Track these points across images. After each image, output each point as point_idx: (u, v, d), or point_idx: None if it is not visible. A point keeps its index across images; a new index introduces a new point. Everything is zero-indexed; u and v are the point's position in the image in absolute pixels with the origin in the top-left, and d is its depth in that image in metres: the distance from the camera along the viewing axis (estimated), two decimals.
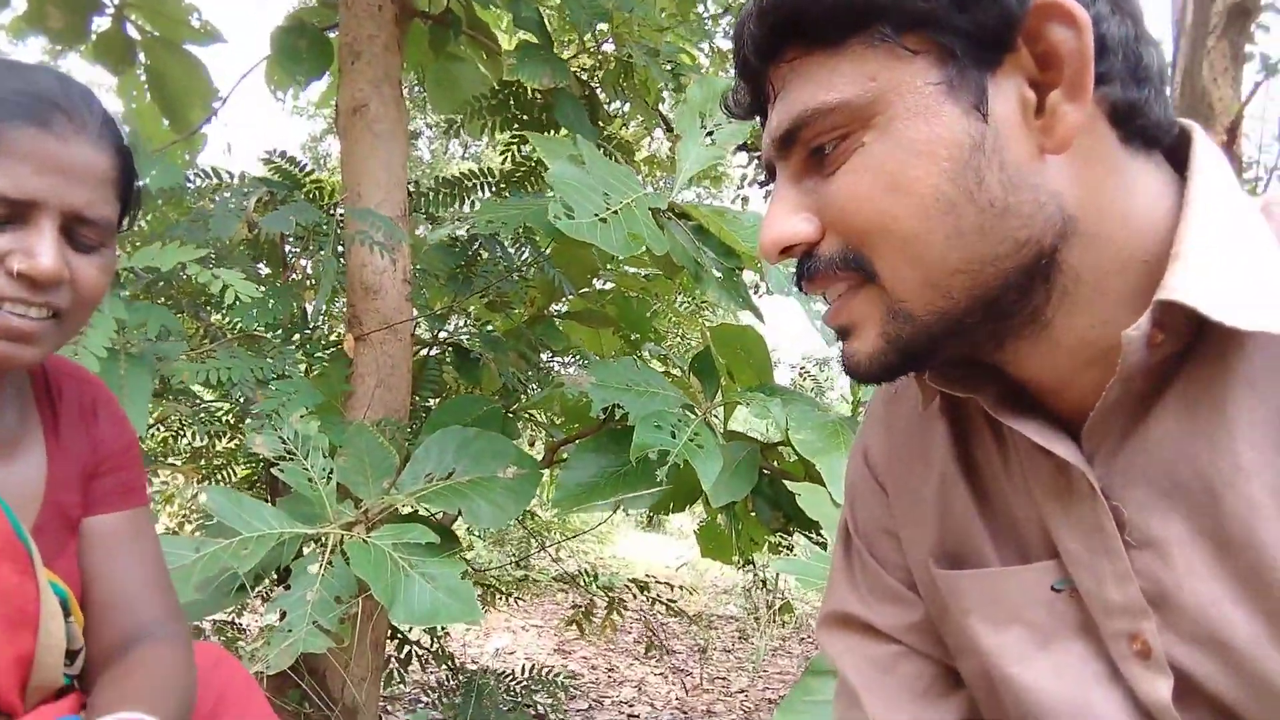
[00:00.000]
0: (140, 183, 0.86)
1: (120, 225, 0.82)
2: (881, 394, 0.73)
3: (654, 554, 8.77)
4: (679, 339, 4.17)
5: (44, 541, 0.82)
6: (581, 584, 3.23)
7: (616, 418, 2.16)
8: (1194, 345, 0.51)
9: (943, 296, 0.51)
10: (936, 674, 0.70)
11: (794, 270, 0.58)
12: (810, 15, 0.50)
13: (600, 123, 2.64)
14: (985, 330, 0.53)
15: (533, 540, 4.06)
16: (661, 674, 5.08)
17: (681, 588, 3.52)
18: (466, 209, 2.64)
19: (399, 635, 2.50)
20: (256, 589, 1.89)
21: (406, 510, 2.00)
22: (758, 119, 0.60)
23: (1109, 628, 0.54)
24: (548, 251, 2.40)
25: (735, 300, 1.98)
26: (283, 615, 1.60)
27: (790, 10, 0.51)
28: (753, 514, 2.21)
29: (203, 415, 2.39)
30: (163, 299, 2.14)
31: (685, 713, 4.42)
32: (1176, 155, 0.55)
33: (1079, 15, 0.47)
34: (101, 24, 2.79)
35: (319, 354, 2.28)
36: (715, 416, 2.19)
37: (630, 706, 4.43)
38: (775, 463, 2.21)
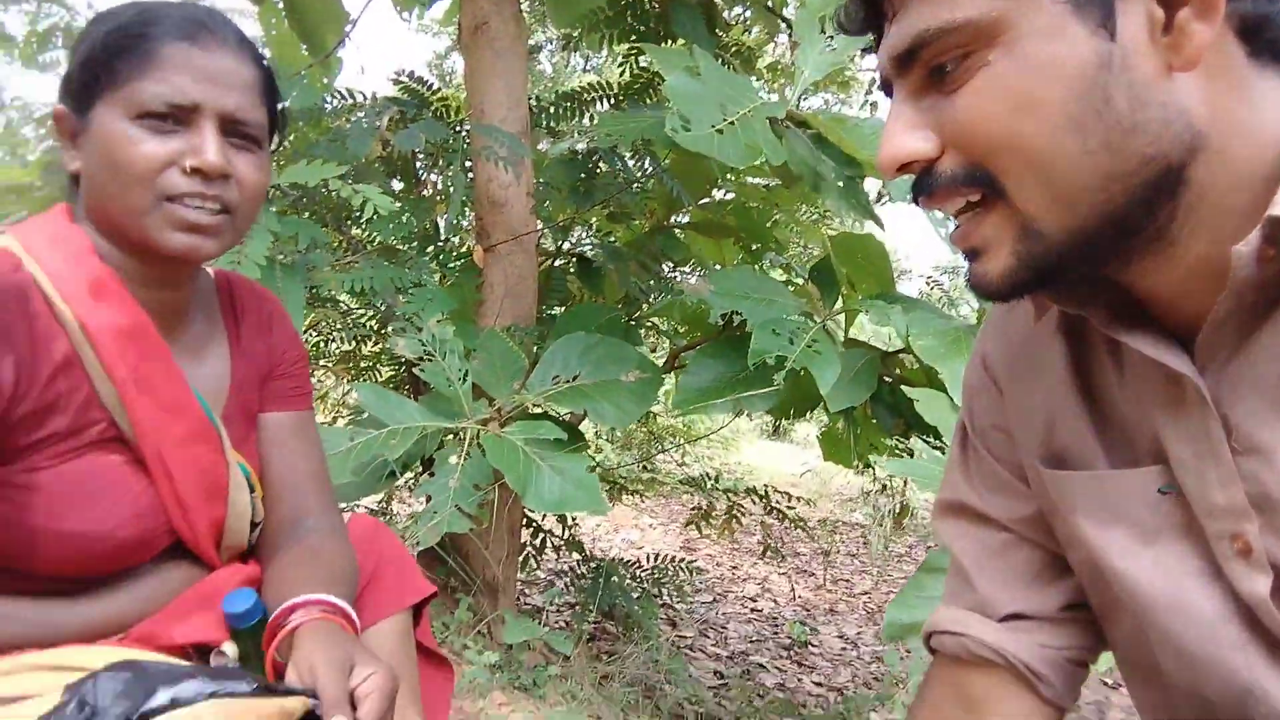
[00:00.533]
0: (283, 104, 0.95)
1: (271, 138, 0.92)
2: (1001, 303, 0.74)
3: (779, 461, 8.86)
4: (801, 249, 4.12)
5: (231, 429, 0.96)
6: (704, 487, 3.35)
7: (735, 324, 2.21)
8: None
9: (1073, 214, 0.51)
10: (1046, 561, 0.72)
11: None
12: None
13: (718, 31, 2.60)
14: (1113, 247, 0.53)
15: (657, 443, 4.19)
16: (785, 574, 5.22)
17: (800, 498, 3.57)
18: (586, 122, 2.69)
19: (533, 524, 2.70)
20: (404, 477, 2.09)
21: (536, 410, 2.13)
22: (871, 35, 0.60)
23: (1212, 528, 0.56)
24: (666, 163, 2.42)
25: (855, 209, 1.96)
26: (428, 500, 1.77)
27: None
28: (873, 420, 2.23)
29: (349, 321, 2.60)
30: (309, 214, 2.31)
31: (808, 610, 4.56)
32: None
33: None
34: None
35: (451, 265, 2.43)
36: (835, 324, 2.21)
37: (754, 601, 4.61)
38: (896, 370, 2.22)
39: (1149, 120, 0.49)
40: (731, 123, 1.67)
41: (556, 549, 2.81)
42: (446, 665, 1.33)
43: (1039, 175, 0.51)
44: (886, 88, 0.58)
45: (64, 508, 0.79)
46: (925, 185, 0.55)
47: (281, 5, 3.04)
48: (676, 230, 2.79)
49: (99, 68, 0.80)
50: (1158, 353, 0.56)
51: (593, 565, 2.63)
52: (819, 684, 3.46)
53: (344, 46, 3.08)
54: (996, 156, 0.51)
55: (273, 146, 0.93)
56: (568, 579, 2.81)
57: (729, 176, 2.68)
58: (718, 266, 2.91)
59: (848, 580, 5.24)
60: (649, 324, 2.88)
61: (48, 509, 0.78)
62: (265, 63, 0.89)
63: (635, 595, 2.58)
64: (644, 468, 5.81)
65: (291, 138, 2.50)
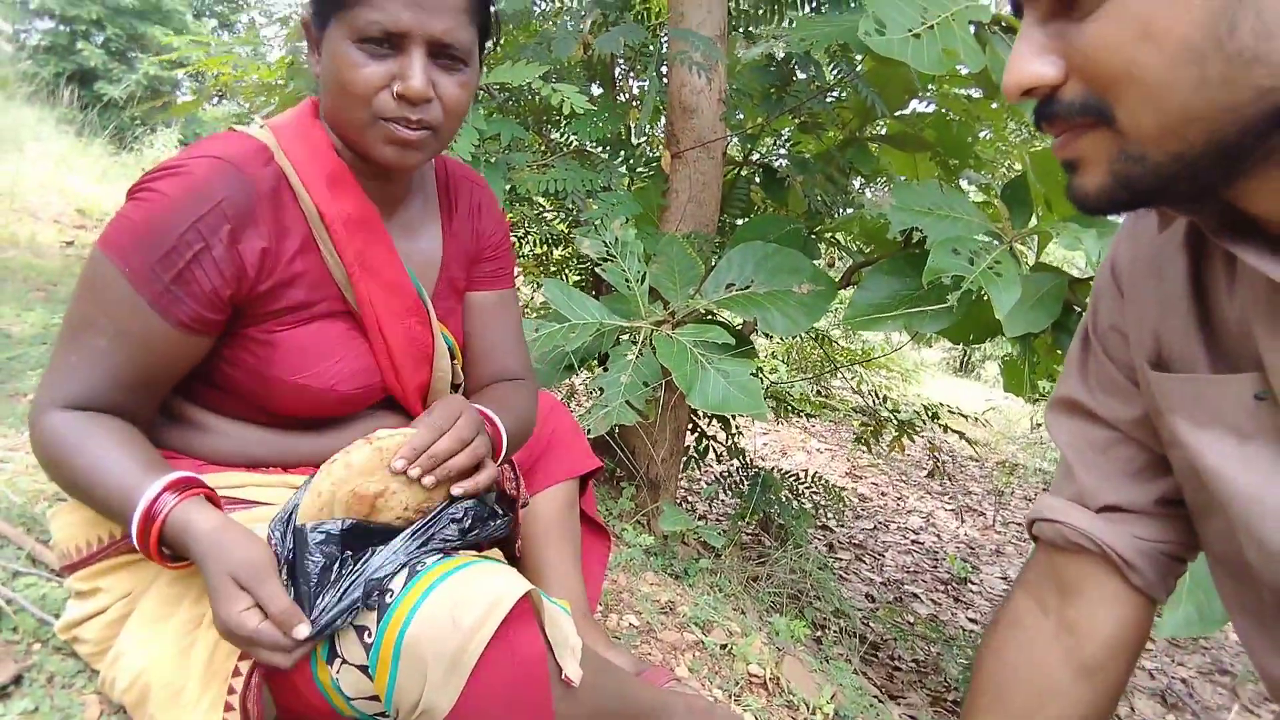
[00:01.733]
0: (495, 9, 1.03)
1: (482, 48, 1.00)
2: (1099, 215, 0.74)
3: (962, 398, 8.53)
4: (1007, 170, 3.87)
5: (438, 304, 1.09)
6: (875, 411, 3.31)
7: (915, 241, 2.15)
8: None
9: (1179, 142, 0.52)
10: (1149, 460, 0.76)
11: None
12: None
13: None
14: (1218, 173, 0.53)
15: (832, 365, 4.15)
16: (953, 510, 5.11)
17: (976, 419, 3.46)
18: (786, 26, 2.63)
19: (698, 429, 2.80)
20: (581, 369, 2.22)
21: (709, 315, 2.19)
22: None
23: None
24: (863, 70, 2.34)
25: None
26: (601, 392, 1.88)
27: None
28: (1057, 349, 2.13)
29: (543, 221, 2.73)
30: (513, 115, 2.43)
31: (972, 549, 4.46)
32: None
33: None
34: None
35: (640, 169, 2.49)
36: (1027, 246, 2.09)
37: (916, 534, 4.55)
38: (1088, 297, 2.09)
39: (1272, 50, 0.48)
40: (931, 26, 1.59)
41: (719, 456, 2.90)
42: (605, 534, 1.45)
43: (1152, 106, 0.51)
44: (1017, 8, 0.58)
45: (296, 364, 0.94)
46: (1047, 111, 0.56)
47: None
48: (869, 143, 2.70)
49: None
50: (1260, 262, 0.56)
51: (752, 473, 2.70)
52: (974, 620, 3.42)
53: None
54: (1114, 86, 0.52)
55: (485, 52, 1.00)
56: (728, 484, 2.90)
57: (931, 86, 2.56)
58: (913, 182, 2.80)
59: (1019, 524, 5.04)
60: (830, 238, 2.84)
61: (283, 364, 0.93)
62: None
63: (792, 510, 2.64)
64: (817, 391, 5.78)
65: (502, 41, 2.62)
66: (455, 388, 1.15)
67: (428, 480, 0.87)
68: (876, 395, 3.44)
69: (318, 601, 0.79)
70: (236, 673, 0.83)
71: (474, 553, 0.90)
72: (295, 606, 0.78)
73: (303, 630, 0.77)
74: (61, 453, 0.85)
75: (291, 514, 0.85)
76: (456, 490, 0.90)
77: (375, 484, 0.85)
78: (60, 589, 1.22)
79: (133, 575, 0.93)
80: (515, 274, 1.23)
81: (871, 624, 3.05)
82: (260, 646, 0.78)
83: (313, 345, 0.96)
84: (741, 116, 2.54)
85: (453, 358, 1.12)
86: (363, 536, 0.85)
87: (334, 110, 0.93)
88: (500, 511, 0.95)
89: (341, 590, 0.80)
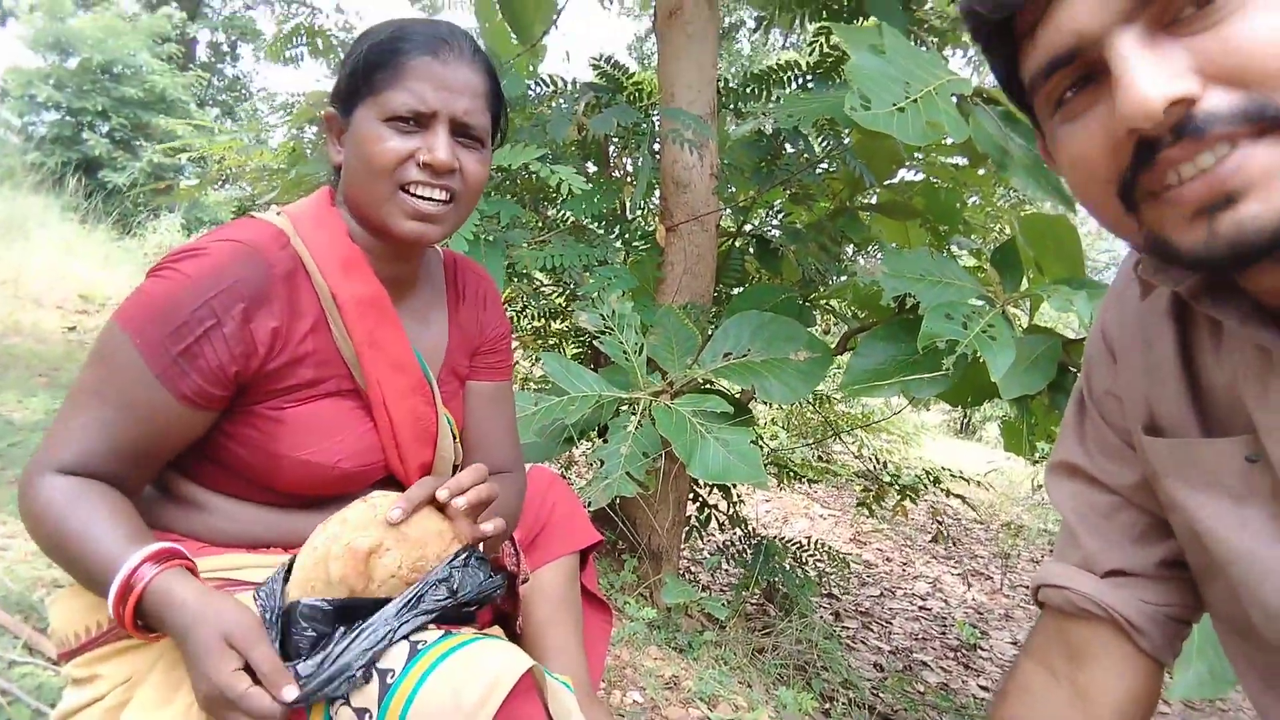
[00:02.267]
0: (506, 107, 1.08)
1: (494, 137, 1.05)
2: (1123, 275, 0.75)
3: (963, 460, 8.49)
4: (997, 234, 3.94)
5: (442, 387, 1.11)
6: (878, 478, 3.31)
7: (909, 307, 2.18)
8: None
9: None
10: (1150, 524, 0.76)
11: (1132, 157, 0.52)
12: None
13: (914, 6, 2.55)
14: None
15: (832, 430, 4.15)
16: (959, 575, 5.03)
17: (978, 497, 3.45)
18: (776, 100, 2.71)
19: (699, 498, 2.78)
20: (582, 446, 2.22)
21: (707, 384, 2.21)
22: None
23: None
24: (850, 143, 2.41)
25: (1043, 188, 1.88)
26: (601, 464, 1.89)
27: None
28: (1054, 410, 2.14)
29: (540, 296, 2.77)
30: (510, 195, 2.49)
31: (981, 613, 4.38)
32: None
33: None
34: None
35: (636, 243, 2.54)
36: (1019, 309, 2.12)
37: (923, 600, 4.48)
38: (1080, 358, 2.11)
39: None
40: (914, 100, 1.65)
41: (720, 525, 2.88)
42: (607, 609, 1.44)
43: None
44: (1058, 64, 0.55)
45: (301, 439, 0.95)
46: (1187, 130, 0.50)
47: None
48: (860, 211, 2.76)
49: (360, 79, 0.96)
50: (1245, 326, 0.58)
51: (754, 541, 2.68)
52: (984, 688, 3.34)
53: (550, 34, 3.28)
54: None
55: (495, 145, 1.06)
56: (730, 553, 2.88)
57: (917, 155, 2.63)
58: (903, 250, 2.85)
59: (1027, 587, 4.97)
60: (825, 305, 2.88)
61: (289, 440, 0.95)
62: (493, 72, 1.03)
63: (796, 579, 2.61)
64: (818, 456, 5.76)
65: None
66: (455, 468, 1.16)
67: (458, 502, 0.89)
68: (878, 460, 3.43)
69: (304, 667, 0.79)
70: None
71: (473, 630, 0.89)
72: (284, 668, 0.79)
73: (290, 693, 0.77)
74: (49, 515, 0.86)
75: (278, 584, 0.85)
76: (487, 527, 0.93)
77: (370, 539, 0.86)
78: (57, 678, 1.20)
79: (132, 661, 0.92)
80: (513, 367, 1.25)
81: (881, 694, 2.98)
82: (247, 712, 0.77)
83: (319, 422, 0.97)
84: (734, 190, 2.60)
85: (454, 438, 1.14)
86: (353, 612, 0.84)
87: (358, 187, 0.98)
88: (489, 569, 0.95)
89: (334, 657, 0.80)
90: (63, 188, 10.43)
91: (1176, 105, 0.49)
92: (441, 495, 0.89)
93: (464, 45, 0.97)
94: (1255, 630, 0.64)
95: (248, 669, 0.79)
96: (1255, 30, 0.48)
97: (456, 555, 0.90)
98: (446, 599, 0.88)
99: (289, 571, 0.87)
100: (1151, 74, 0.50)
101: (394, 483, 1.07)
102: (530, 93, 2.52)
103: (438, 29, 0.98)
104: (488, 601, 0.93)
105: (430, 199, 0.95)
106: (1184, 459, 0.67)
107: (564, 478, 3.30)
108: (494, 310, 1.21)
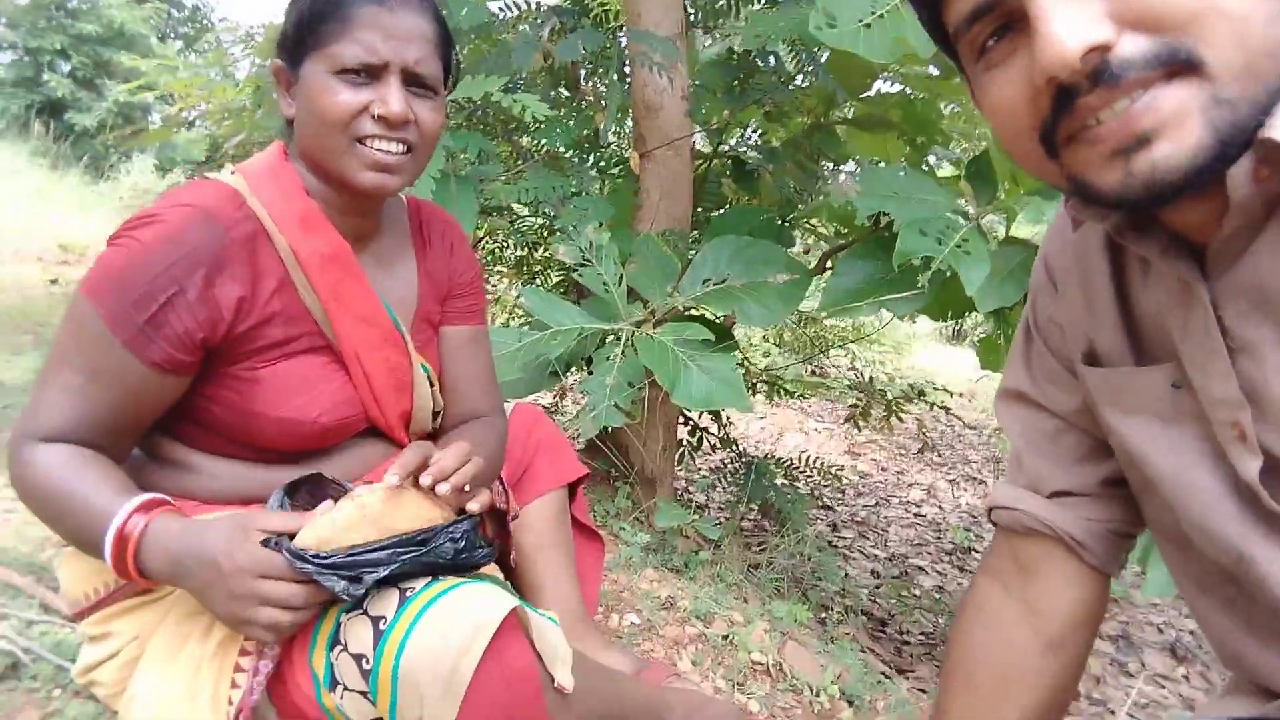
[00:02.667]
0: (457, 54, 1.07)
1: (446, 84, 1.04)
2: (1064, 209, 0.77)
3: (955, 366, 8.58)
4: (978, 141, 3.90)
5: (415, 335, 1.12)
6: (869, 391, 3.35)
7: (885, 225, 2.18)
8: None
9: (1258, 83, 0.50)
10: (1092, 445, 0.80)
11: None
12: None
13: None
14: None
15: (822, 346, 4.19)
16: (953, 480, 5.15)
17: (966, 401, 3.51)
18: (744, 20, 2.64)
19: (690, 422, 2.83)
20: (568, 375, 2.25)
21: (689, 311, 2.22)
22: None
23: (1215, 417, 0.62)
24: (824, 58, 2.37)
25: None
26: (587, 396, 1.92)
27: None
28: None
29: (520, 228, 2.76)
30: (481, 127, 2.45)
31: (974, 517, 4.51)
32: None
33: None
34: None
35: (611, 171, 2.51)
36: (996, 221, 2.12)
37: (918, 507, 4.60)
38: None
39: None
40: (880, 15, 1.62)
41: (713, 447, 2.93)
42: (598, 538, 1.49)
43: (1237, 41, 0.49)
44: (980, 13, 0.56)
45: (278, 398, 0.97)
46: (1105, 77, 0.51)
47: None
48: (836, 127, 2.73)
49: (306, 31, 0.94)
50: (1165, 259, 0.61)
51: (745, 461, 2.74)
52: None
53: None
54: (1198, 20, 0.49)
55: (447, 90, 1.05)
56: (724, 474, 2.94)
57: (892, 67, 2.58)
58: (881, 164, 2.83)
59: None
60: (805, 224, 2.87)
61: (265, 399, 0.97)
62: (441, 17, 1.01)
63: (789, 496, 2.67)
64: (811, 371, 5.81)
65: (465, 51, 2.64)
66: (436, 415, 1.18)
67: (442, 488, 0.91)
68: (862, 375, 3.47)
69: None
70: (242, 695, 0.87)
71: (458, 575, 0.93)
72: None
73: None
74: (37, 485, 0.89)
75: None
76: (473, 506, 0.95)
77: (360, 538, 0.88)
78: (74, 635, 1.25)
79: (141, 617, 0.96)
80: (485, 309, 1.26)
81: (878, 600, 3.09)
82: (279, 577, 0.82)
83: (294, 379, 0.99)
84: (707, 111, 2.56)
85: (432, 384, 1.16)
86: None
87: (312, 141, 0.97)
88: (486, 543, 0.98)
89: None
90: (29, 132, 10.20)
91: (1092, 53, 0.50)
92: (425, 482, 0.91)
93: None
94: (1188, 540, 0.68)
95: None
96: None
97: (446, 527, 0.92)
98: (448, 557, 0.91)
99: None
100: (1068, 23, 0.50)
101: (376, 433, 1.10)
102: (495, 18, 2.46)
103: None
104: (473, 568, 0.96)
105: (387, 151, 0.95)
106: (1117, 387, 0.71)
107: (554, 411, 3.35)
108: (461, 254, 1.21)
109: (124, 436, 0.95)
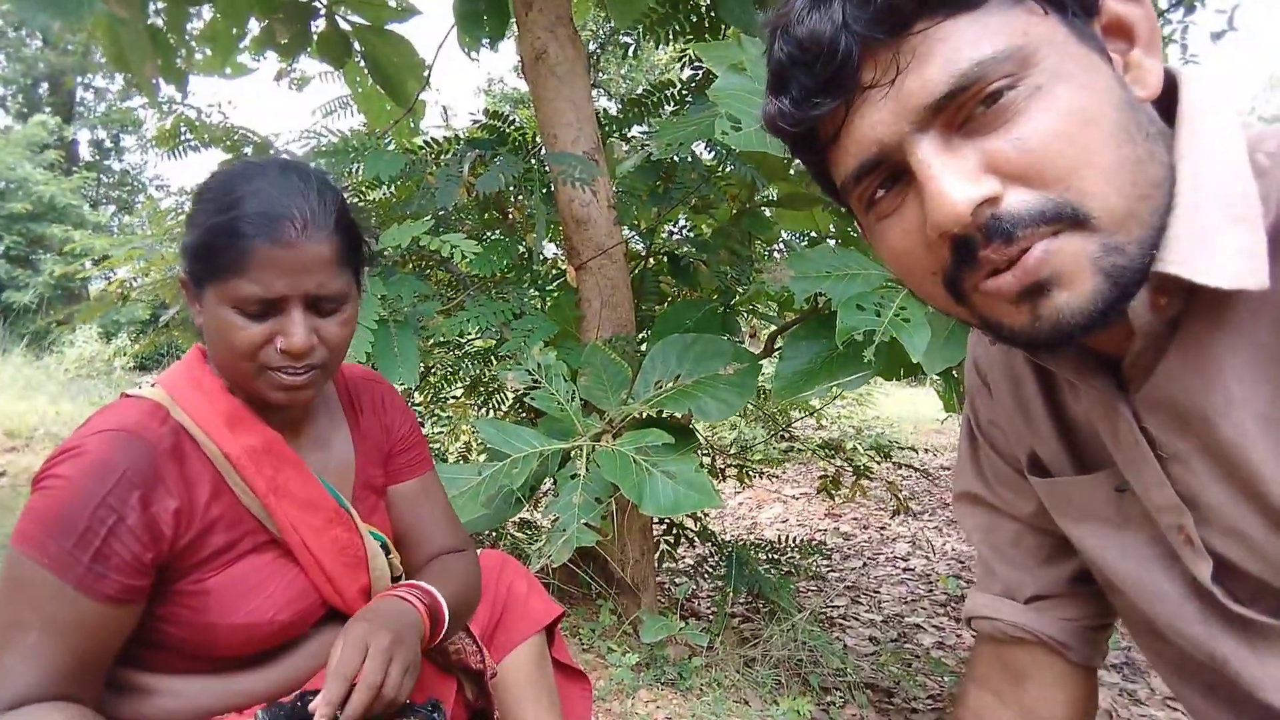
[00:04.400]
0: (369, 238, 1.05)
1: (359, 280, 1.02)
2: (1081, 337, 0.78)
3: (920, 407, 8.65)
4: None
5: (360, 505, 1.10)
6: (838, 450, 3.36)
7: (823, 304, 2.22)
8: (1194, 296, 0.56)
9: (1140, 224, 0.52)
10: (1055, 544, 0.80)
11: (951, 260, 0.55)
12: None
13: (767, 4, 2.59)
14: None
15: (784, 418, 4.20)
16: (936, 527, 5.13)
17: (936, 448, 3.53)
18: (662, 119, 2.73)
19: (665, 520, 2.80)
20: (534, 496, 2.22)
21: (648, 415, 2.22)
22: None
23: (1162, 521, 0.63)
24: (738, 151, 2.44)
25: None
26: (555, 520, 1.88)
27: None
28: None
29: (465, 353, 2.75)
30: (411, 264, 2.47)
31: (962, 562, 4.48)
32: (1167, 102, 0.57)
33: None
34: (318, 26, 3.15)
35: (549, 287, 2.54)
36: None
37: (905, 560, 4.56)
38: None
39: (1155, 134, 0.53)
40: None
41: (690, 541, 2.89)
42: (584, 677, 1.44)
43: (1114, 188, 0.51)
44: (872, 169, 0.56)
45: (231, 605, 0.94)
46: (996, 231, 0.52)
47: (362, 64, 3.25)
48: (764, 209, 2.79)
49: (204, 260, 0.92)
50: (1080, 379, 0.62)
51: (726, 553, 2.70)
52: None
53: (425, 90, 3.26)
54: (1077, 175, 0.51)
55: (363, 275, 1.04)
56: (705, 569, 2.90)
57: None
58: (813, 236, 2.89)
59: None
60: (748, 309, 2.91)
61: (219, 608, 0.94)
62: (349, 221, 0.98)
63: (774, 575, 2.64)
64: (782, 437, 5.82)
65: (392, 189, 2.68)
66: (396, 579, 1.15)
67: None
68: (840, 434, 3.47)
69: None
70: None
71: None
72: None
73: None
74: None
75: None
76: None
77: None
78: None
79: None
80: (429, 457, 1.25)
81: (880, 669, 3.03)
82: None
83: (245, 583, 0.96)
84: (635, 214, 2.61)
85: (388, 552, 1.13)
86: None
87: (221, 362, 0.97)
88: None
89: None
90: None
91: (982, 207, 0.52)
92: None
93: (306, 208, 0.92)
94: (1162, 635, 0.68)
95: None
96: (1039, 130, 0.51)
97: None
98: None
99: None
100: (953, 180, 0.52)
101: (335, 614, 1.06)
102: (414, 157, 2.51)
103: (275, 200, 0.91)
104: None
105: (295, 374, 0.94)
106: (1064, 496, 0.71)
107: (529, 524, 3.29)
108: (395, 410, 1.20)
109: (92, 677, 0.91)
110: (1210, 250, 0.51)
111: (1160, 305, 0.55)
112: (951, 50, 0.51)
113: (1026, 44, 0.51)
